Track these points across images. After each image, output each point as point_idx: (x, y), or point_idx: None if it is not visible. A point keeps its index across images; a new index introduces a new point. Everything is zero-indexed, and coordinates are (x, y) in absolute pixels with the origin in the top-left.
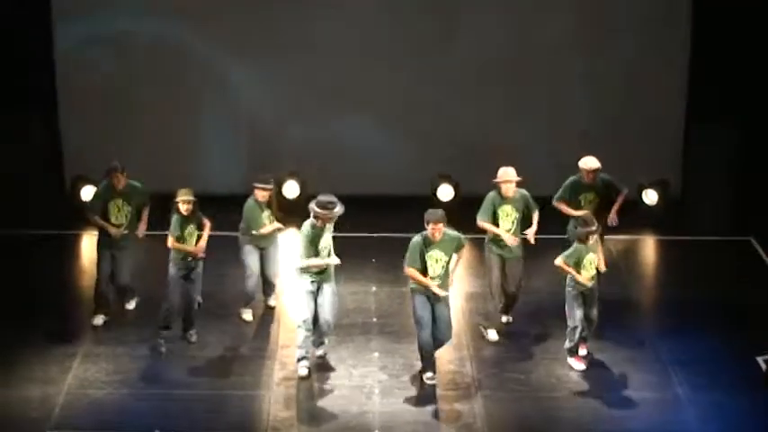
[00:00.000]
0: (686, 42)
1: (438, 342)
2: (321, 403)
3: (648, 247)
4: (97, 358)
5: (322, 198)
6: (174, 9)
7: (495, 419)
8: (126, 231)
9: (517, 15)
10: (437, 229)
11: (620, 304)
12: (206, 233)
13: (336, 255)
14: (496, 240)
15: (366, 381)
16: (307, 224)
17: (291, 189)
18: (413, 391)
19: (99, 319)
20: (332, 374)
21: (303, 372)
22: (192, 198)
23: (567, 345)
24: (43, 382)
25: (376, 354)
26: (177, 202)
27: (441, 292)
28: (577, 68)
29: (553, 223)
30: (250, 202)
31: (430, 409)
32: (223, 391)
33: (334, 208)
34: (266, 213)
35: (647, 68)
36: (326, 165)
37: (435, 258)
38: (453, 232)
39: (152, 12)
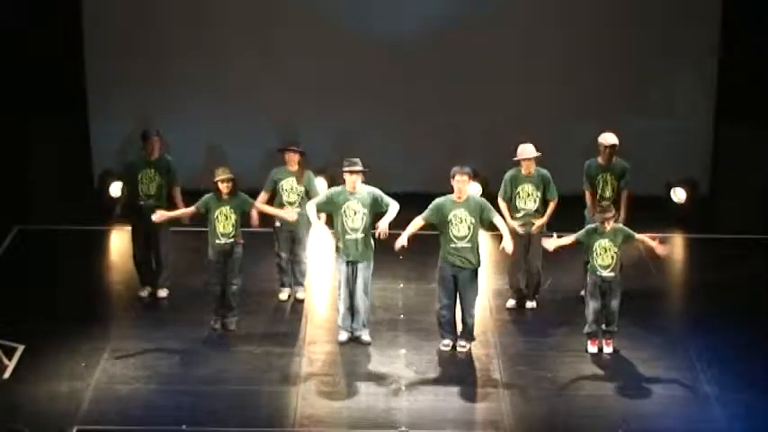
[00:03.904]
0: (716, 41)
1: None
2: (348, 400)
3: (676, 245)
4: (125, 354)
5: (346, 160)
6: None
7: (521, 417)
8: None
9: (543, 16)
10: (462, 182)
11: (648, 302)
12: (254, 212)
13: None
14: (516, 217)
15: (393, 377)
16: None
17: (320, 186)
18: (440, 388)
19: (144, 291)
20: (359, 371)
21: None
22: (230, 176)
23: (586, 329)
24: (71, 377)
25: (403, 350)
26: (216, 182)
27: None
28: (606, 67)
29: (578, 223)
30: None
31: (457, 406)
32: (250, 387)
33: (355, 165)
34: (291, 180)
35: (677, 67)
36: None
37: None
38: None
39: (184, 19)
